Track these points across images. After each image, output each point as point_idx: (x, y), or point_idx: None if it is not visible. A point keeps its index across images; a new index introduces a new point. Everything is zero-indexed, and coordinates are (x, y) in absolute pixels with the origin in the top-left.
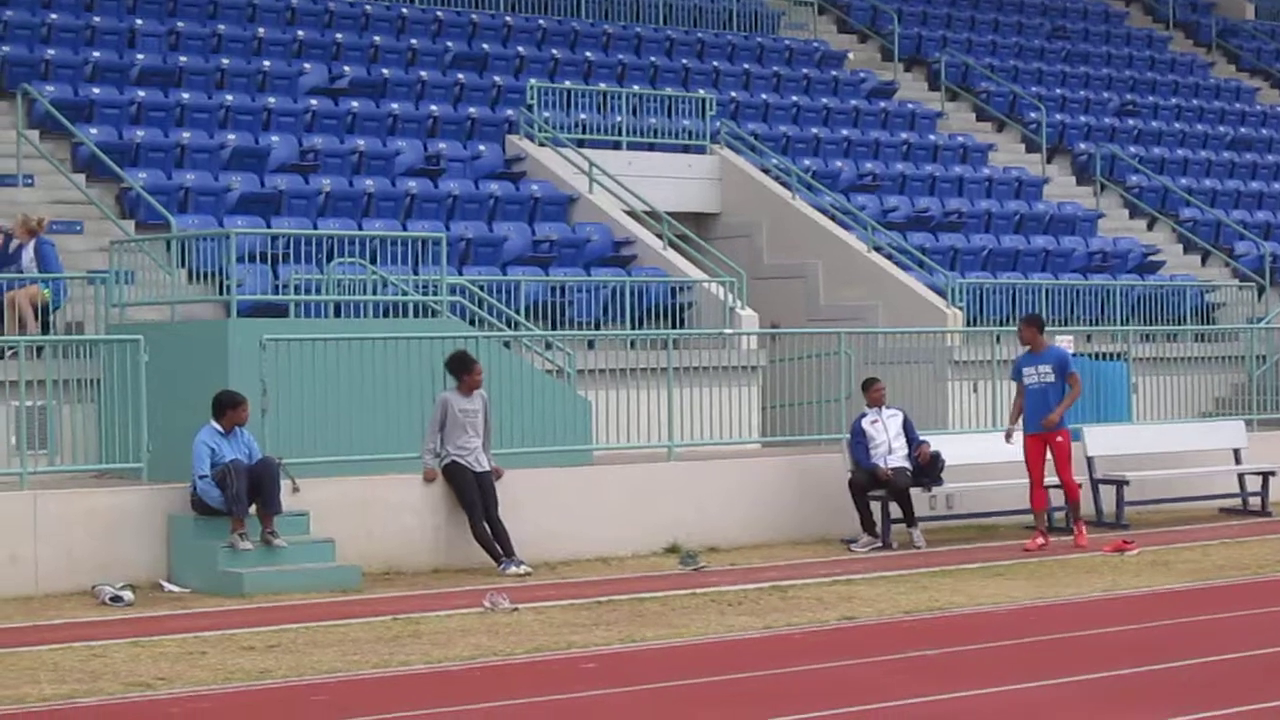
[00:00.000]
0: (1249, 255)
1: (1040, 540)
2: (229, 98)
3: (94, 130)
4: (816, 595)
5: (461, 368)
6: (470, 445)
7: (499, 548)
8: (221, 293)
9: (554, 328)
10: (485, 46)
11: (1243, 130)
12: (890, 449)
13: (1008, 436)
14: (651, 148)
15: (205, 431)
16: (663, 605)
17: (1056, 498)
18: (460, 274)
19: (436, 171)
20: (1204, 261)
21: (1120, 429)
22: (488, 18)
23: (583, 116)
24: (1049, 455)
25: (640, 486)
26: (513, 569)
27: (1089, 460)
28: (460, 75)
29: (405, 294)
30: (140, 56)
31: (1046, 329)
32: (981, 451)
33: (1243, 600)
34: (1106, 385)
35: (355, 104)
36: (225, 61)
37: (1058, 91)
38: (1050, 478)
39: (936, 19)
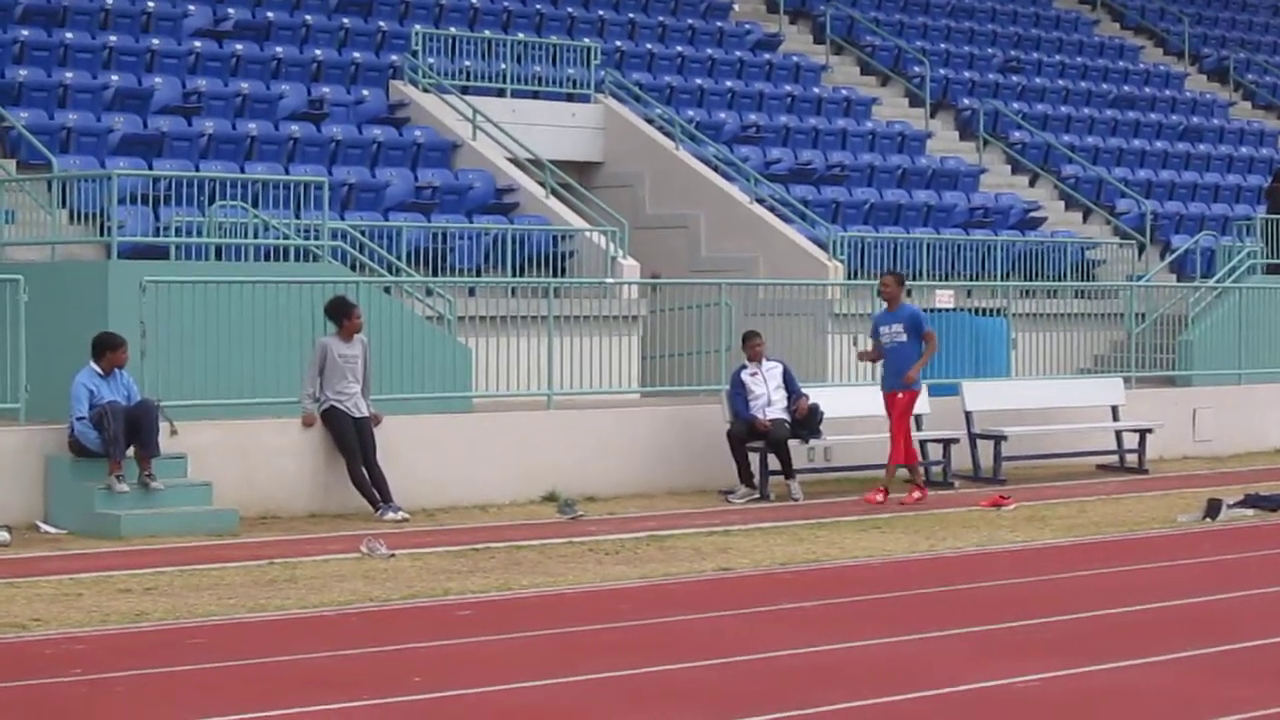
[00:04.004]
0: (1130, 213)
1: (916, 494)
2: (113, 38)
3: None
4: (694, 546)
5: (341, 313)
6: (349, 391)
7: (377, 493)
8: (102, 234)
9: (435, 274)
10: None
11: (1126, 88)
12: (769, 401)
13: (861, 356)
14: (535, 96)
15: (84, 373)
16: (540, 553)
17: (934, 452)
18: (342, 219)
19: (319, 116)
20: (1085, 219)
21: (999, 384)
22: None
23: (467, 63)
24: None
25: (519, 435)
26: (390, 515)
27: (967, 415)
28: (345, 20)
29: (286, 238)
30: None
31: (930, 284)
32: (860, 405)
33: (1118, 556)
34: (986, 340)
35: (239, 46)
36: (109, 2)
37: (942, 46)
38: (927, 433)
39: None
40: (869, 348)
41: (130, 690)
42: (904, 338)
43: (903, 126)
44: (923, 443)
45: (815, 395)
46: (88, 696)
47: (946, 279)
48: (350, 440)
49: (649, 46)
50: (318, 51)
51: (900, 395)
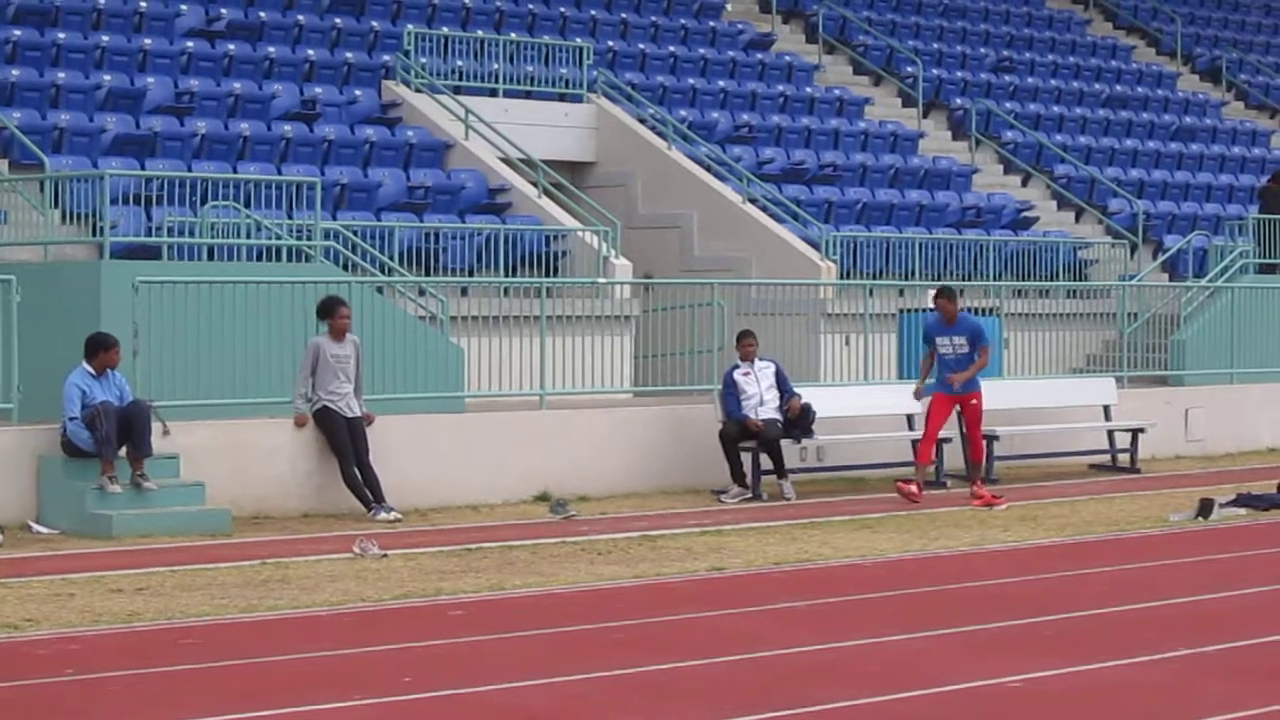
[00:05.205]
0: (1122, 213)
1: (914, 489)
2: (105, 38)
3: None
4: (686, 545)
5: (327, 312)
6: (342, 391)
7: (369, 494)
8: (95, 234)
9: (427, 274)
10: None
11: (1118, 88)
12: (762, 400)
13: (918, 394)
14: (528, 95)
15: (76, 373)
16: (532, 553)
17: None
18: (334, 219)
19: (312, 116)
20: (1078, 218)
21: (991, 384)
22: None
23: (460, 63)
24: (961, 416)
25: (512, 434)
26: (383, 515)
27: (959, 414)
28: (337, 20)
29: (279, 238)
30: None
31: (923, 284)
32: (852, 404)
33: (1110, 556)
34: None
35: (232, 46)
36: (102, 2)
37: (935, 46)
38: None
39: None
40: (921, 372)
41: (123, 690)
42: (966, 349)
43: (895, 126)
44: (914, 442)
45: (808, 395)
46: (80, 697)
47: (939, 278)
48: (343, 440)
49: (641, 46)
50: (310, 51)
51: (973, 402)
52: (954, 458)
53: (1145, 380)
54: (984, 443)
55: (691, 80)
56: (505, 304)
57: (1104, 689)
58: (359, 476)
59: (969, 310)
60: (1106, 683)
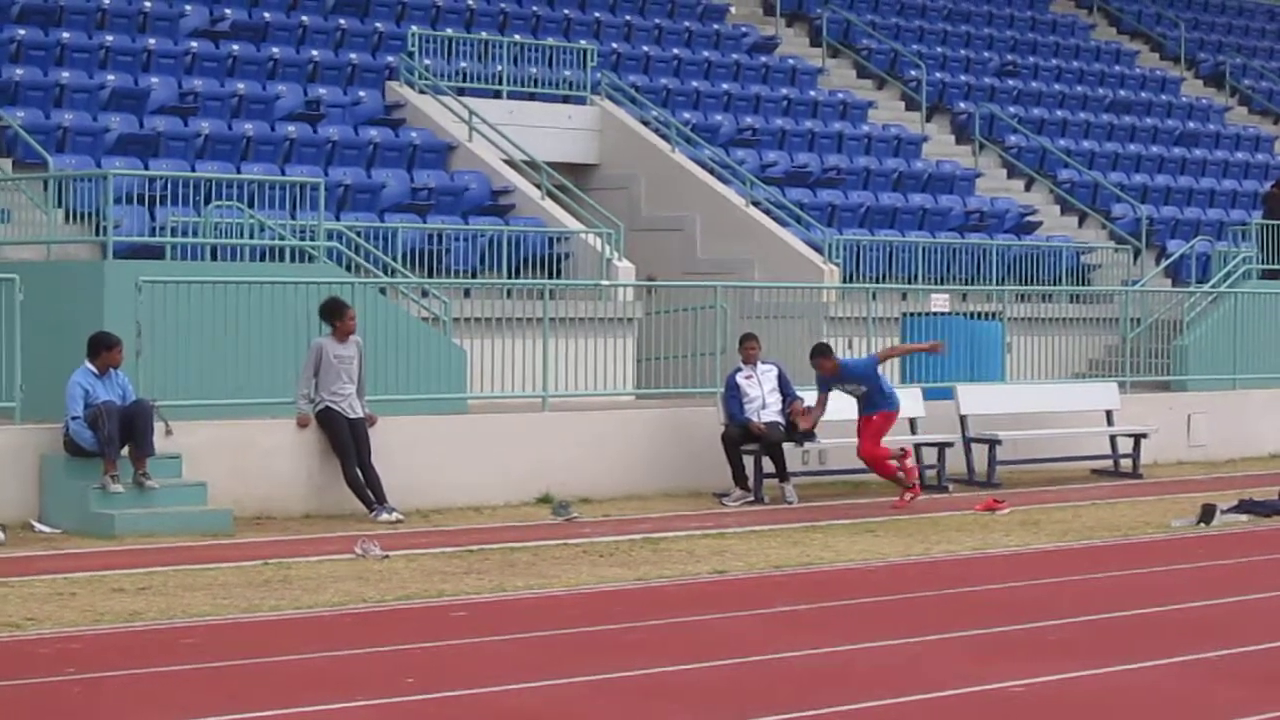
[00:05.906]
0: (1125, 218)
1: (909, 496)
2: (109, 38)
3: None
4: (688, 548)
5: (334, 314)
6: (344, 391)
7: (371, 494)
8: (98, 233)
9: (431, 275)
10: None
11: (1122, 93)
12: (764, 404)
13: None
14: (532, 97)
15: (79, 373)
16: (534, 555)
17: (929, 456)
18: (338, 220)
19: (316, 116)
20: (1081, 223)
21: (994, 388)
22: None
23: (464, 65)
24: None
25: (514, 436)
26: (385, 516)
27: (962, 419)
28: (342, 20)
29: (282, 238)
30: None
31: (926, 288)
32: (854, 408)
33: (1112, 561)
34: (981, 345)
35: (236, 47)
36: (106, 2)
37: (938, 50)
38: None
39: None
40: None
41: (124, 690)
42: (864, 389)
43: (899, 130)
44: (917, 446)
45: (810, 399)
46: (82, 696)
47: (942, 283)
48: (345, 441)
49: (645, 49)
50: (314, 52)
51: (875, 419)
52: (955, 462)
53: (1148, 385)
54: (880, 454)
55: (695, 83)
56: (508, 306)
57: (1106, 693)
58: (361, 477)
59: (969, 316)
60: (1109, 687)
